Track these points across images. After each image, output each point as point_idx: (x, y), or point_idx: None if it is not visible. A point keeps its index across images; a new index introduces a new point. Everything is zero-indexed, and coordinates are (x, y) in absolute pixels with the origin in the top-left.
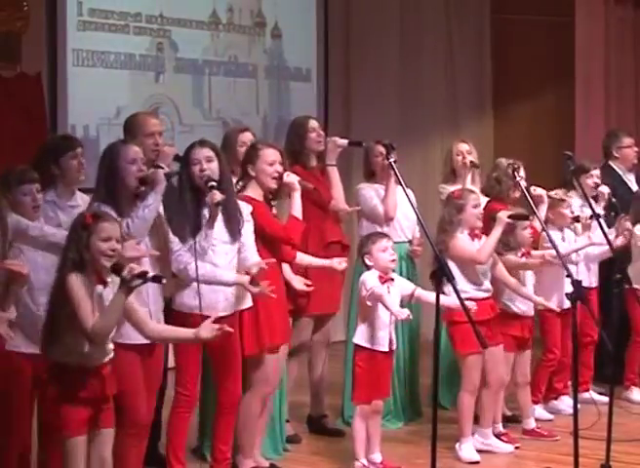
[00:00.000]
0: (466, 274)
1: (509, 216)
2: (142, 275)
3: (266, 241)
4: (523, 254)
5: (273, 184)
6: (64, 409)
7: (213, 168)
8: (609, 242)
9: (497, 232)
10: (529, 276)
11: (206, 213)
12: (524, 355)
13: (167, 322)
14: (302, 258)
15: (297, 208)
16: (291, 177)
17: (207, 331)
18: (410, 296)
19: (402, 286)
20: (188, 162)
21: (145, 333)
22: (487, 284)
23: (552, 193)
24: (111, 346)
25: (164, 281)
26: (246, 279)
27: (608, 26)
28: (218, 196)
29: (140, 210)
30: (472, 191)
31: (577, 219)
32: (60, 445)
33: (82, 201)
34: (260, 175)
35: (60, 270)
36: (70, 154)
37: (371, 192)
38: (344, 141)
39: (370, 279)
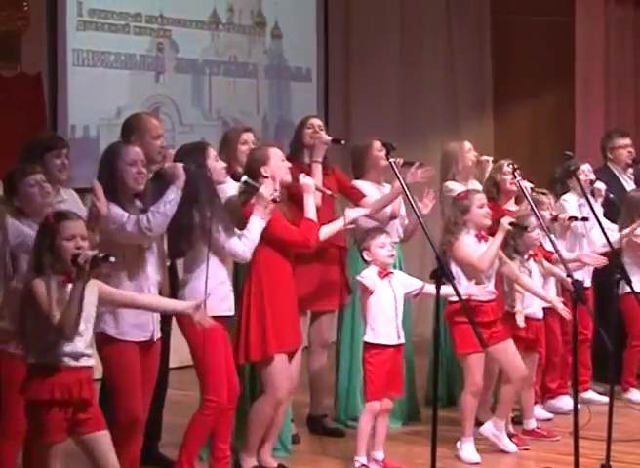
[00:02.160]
0: (469, 276)
1: (510, 224)
2: (94, 258)
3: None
4: (530, 257)
5: (288, 180)
6: (40, 414)
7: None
8: (609, 242)
9: (498, 239)
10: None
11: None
12: (531, 356)
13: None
14: (325, 233)
15: (310, 210)
16: (307, 179)
17: (202, 316)
18: (419, 291)
19: (406, 281)
20: (209, 157)
21: (139, 306)
22: (490, 286)
23: (540, 191)
24: (91, 352)
25: (112, 259)
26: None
27: (608, 26)
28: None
29: (160, 205)
30: (478, 191)
31: (555, 219)
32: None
33: (67, 195)
34: (276, 173)
35: (26, 274)
36: (54, 153)
37: (371, 190)
38: (328, 138)
39: (366, 275)
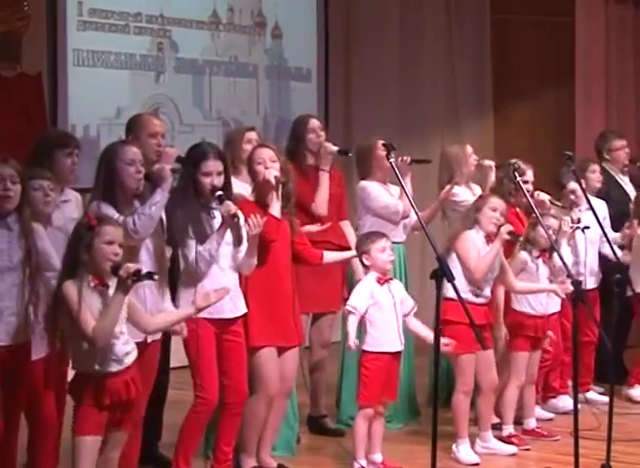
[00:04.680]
0: (468, 280)
1: (509, 233)
2: (137, 273)
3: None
4: (540, 255)
5: (261, 179)
6: (82, 410)
7: (221, 181)
8: (612, 250)
9: (494, 248)
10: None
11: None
12: (535, 354)
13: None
14: (330, 257)
15: (275, 207)
16: (268, 174)
17: (204, 299)
18: (408, 312)
19: (403, 296)
20: (200, 170)
21: (143, 329)
22: (487, 291)
23: (558, 203)
24: (131, 347)
25: (156, 277)
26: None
27: (608, 26)
28: (233, 208)
29: (146, 207)
30: (498, 197)
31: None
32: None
33: (72, 196)
34: (256, 178)
35: (59, 277)
36: (66, 151)
37: (381, 189)
38: (334, 149)
39: (356, 293)
